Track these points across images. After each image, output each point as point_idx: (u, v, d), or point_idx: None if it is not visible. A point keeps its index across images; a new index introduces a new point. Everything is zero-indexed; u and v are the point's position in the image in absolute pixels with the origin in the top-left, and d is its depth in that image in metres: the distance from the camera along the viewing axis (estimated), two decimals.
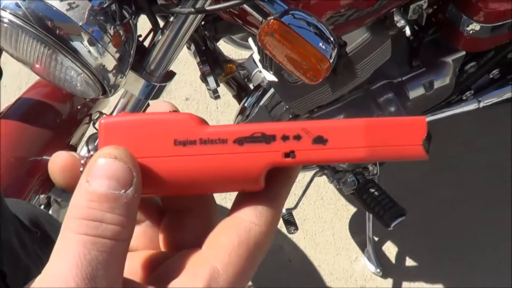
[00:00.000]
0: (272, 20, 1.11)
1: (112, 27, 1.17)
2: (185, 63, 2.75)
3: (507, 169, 2.53)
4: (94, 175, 0.41)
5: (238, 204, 0.47)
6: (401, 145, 0.44)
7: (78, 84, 1.23)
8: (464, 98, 2.07)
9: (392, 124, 0.45)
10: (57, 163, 0.46)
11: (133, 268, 0.47)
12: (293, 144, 0.45)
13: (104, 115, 1.71)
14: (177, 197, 0.50)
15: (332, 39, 1.13)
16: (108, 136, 0.45)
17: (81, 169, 0.45)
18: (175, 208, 0.51)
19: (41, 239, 0.83)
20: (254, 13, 1.16)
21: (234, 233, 0.44)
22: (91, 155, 0.43)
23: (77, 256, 0.38)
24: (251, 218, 0.45)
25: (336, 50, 1.15)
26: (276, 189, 0.48)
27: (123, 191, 0.41)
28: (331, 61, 1.14)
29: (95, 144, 1.48)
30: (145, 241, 0.52)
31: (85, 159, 0.45)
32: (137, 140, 0.45)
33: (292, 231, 2.01)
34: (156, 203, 0.53)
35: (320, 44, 1.12)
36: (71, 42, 1.14)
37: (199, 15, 1.25)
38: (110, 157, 0.42)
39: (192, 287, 0.42)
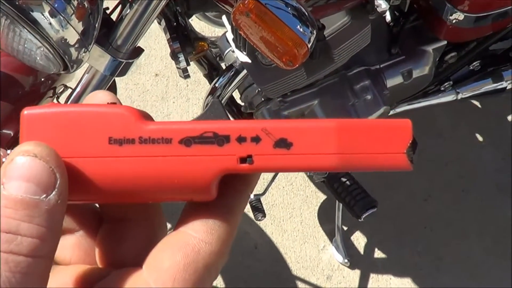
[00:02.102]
0: None
1: None
2: (156, 37, 2.68)
3: (481, 161, 2.52)
4: (9, 177, 0.35)
5: (186, 216, 0.40)
6: (381, 152, 0.38)
7: (38, 58, 1.17)
8: (442, 89, 2.03)
9: (370, 127, 0.38)
10: None
11: (63, 284, 0.41)
12: (251, 148, 0.38)
13: (69, 89, 1.65)
14: (116, 204, 0.43)
15: (311, 22, 1.07)
16: (30, 130, 0.39)
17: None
18: (115, 217, 0.44)
19: None
20: None
21: (180, 252, 0.38)
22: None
23: None
24: (200, 234, 0.39)
25: (315, 34, 1.08)
26: (231, 199, 0.41)
27: (44, 196, 0.35)
28: (309, 45, 1.08)
29: None
30: (79, 253, 0.45)
31: (7, 157, 0.38)
32: (65, 136, 0.38)
33: (260, 218, 1.95)
34: (92, 209, 0.46)
35: (299, 27, 1.06)
36: (30, 13, 1.07)
37: None
38: (29, 155, 0.35)
39: None
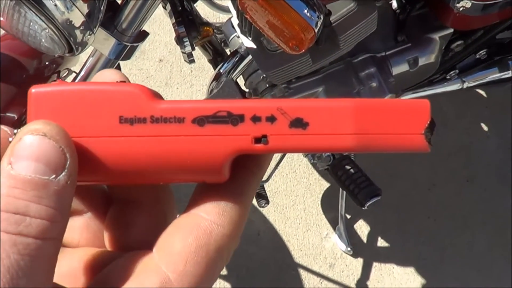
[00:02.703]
0: None
1: None
2: (161, 23, 2.67)
3: (485, 152, 2.51)
4: (18, 156, 0.34)
5: (197, 198, 0.39)
6: (398, 133, 0.37)
7: (43, 40, 1.16)
8: (448, 77, 2.02)
9: (387, 107, 0.37)
10: None
11: (73, 269, 0.40)
12: (266, 127, 0.37)
13: (74, 73, 1.64)
14: (125, 185, 0.42)
15: (318, 7, 1.05)
16: (38, 108, 0.37)
17: None
18: (124, 198, 0.43)
19: None
20: None
21: (191, 235, 0.37)
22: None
23: None
24: (212, 216, 0.38)
25: (322, 19, 1.07)
26: (243, 180, 0.40)
27: (53, 176, 0.34)
28: (316, 30, 1.07)
29: None
30: (87, 236, 0.44)
31: (14, 135, 0.37)
32: (74, 115, 0.37)
33: (263, 204, 1.95)
34: (101, 190, 0.45)
35: (306, 11, 1.04)
36: None
37: None
38: (38, 134, 0.34)
39: None
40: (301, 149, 0.37)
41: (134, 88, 0.37)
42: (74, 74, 1.54)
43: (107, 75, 0.42)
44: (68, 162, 0.34)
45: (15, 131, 0.37)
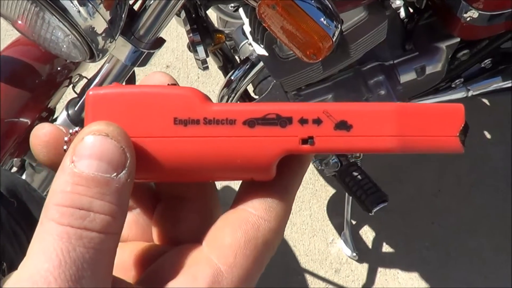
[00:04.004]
0: None
1: None
2: (167, 29, 2.62)
3: (490, 158, 2.53)
4: (80, 155, 0.35)
5: (244, 195, 0.41)
6: (435, 135, 0.39)
7: (65, 46, 1.17)
8: (453, 85, 2.04)
9: (426, 111, 0.39)
10: (40, 137, 0.39)
11: (123, 262, 0.42)
12: (312, 129, 0.39)
13: (85, 78, 1.66)
14: (174, 183, 0.44)
15: (336, 16, 1.08)
16: (97, 110, 0.39)
17: (65, 147, 0.38)
18: (171, 195, 0.45)
19: (17, 210, 0.76)
20: None
21: (240, 229, 0.39)
22: (76, 131, 0.38)
23: (60, 253, 0.32)
24: (259, 212, 0.40)
25: (339, 29, 1.09)
26: (288, 178, 0.42)
27: (115, 174, 0.35)
28: (333, 39, 1.09)
29: (75, 109, 1.41)
30: (136, 231, 0.46)
31: (69, 136, 0.39)
32: (131, 117, 0.39)
33: None
34: (149, 187, 0.47)
35: (324, 21, 1.06)
36: (60, 0, 1.07)
37: None
38: (100, 135, 0.36)
39: None
40: (345, 150, 0.39)
41: (187, 91, 0.40)
42: (85, 80, 1.55)
43: (157, 78, 0.44)
44: (128, 161, 0.36)
45: (71, 130, 0.39)
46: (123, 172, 0.36)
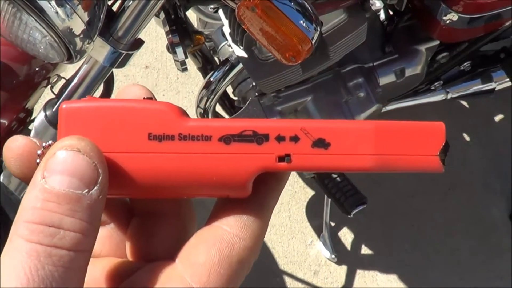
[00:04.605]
0: None
1: None
2: (146, 29, 2.61)
3: (467, 161, 2.54)
4: (52, 170, 0.35)
5: (219, 212, 0.41)
6: (415, 154, 0.38)
7: (42, 47, 1.15)
8: (433, 88, 2.05)
9: (406, 129, 0.39)
10: (13, 150, 0.38)
11: (94, 278, 0.41)
12: (289, 147, 0.39)
13: (63, 79, 1.64)
14: (149, 199, 0.43)
15: (316, 19, 1.07)
16: (70, 124, 0.38)
17: (38, 160, 0.37)
18: (146, 210, 0.44)
19: None
20: None
21: (214, 247, 0.38)
22: (50, 145, 0.37)
23: (29, 271, 0.32)
24: (235, 230, 0.39)
25: (319, 31, 1.08)
26: (264, 196, 0.42)
27: (86, 191, 0.35)
28: (313, 42, 1.08)
29: (53, 110, 1.39)
30: (110, 246, 0.45)
31: (42, 149, 0.38)
32: (105, 131, 0.38)
33: None
34: (124, 202, 0.46)
35: (304, 23, 1.05)
36: (37, 1, 1.06)
37: None
38: (72, 150, 0.35)
39: None
40: (323, 168, 0.39)
41: (163, 106, 0.39)
42: (63, 80, 1.54)
43: (133, 91, 0.43)
44: (100, 177, 0.35)
45: (44, 143, 0.38)
46: (95, 188, 0.35)
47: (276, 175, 0.42)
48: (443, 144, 0.39)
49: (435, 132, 0.39)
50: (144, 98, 0.42)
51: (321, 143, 0.38)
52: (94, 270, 0.41)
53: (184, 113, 0.40)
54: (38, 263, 0.32)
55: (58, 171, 0.34)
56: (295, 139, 0.38)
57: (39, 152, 0.38)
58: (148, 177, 0.38)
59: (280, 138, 0.38)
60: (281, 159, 0.38)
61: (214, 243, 0.38)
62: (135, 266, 0.41)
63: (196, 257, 0.38)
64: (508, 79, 2.02)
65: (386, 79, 1.81)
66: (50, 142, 0.38)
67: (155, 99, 0.42)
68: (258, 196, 0.41)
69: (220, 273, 0.37)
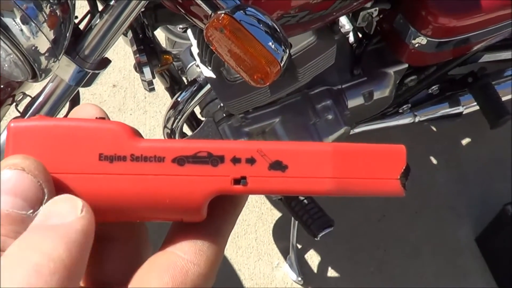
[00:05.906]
0: (223, 15, 1.02)
1: (49, 5, 1.07)
2: (114, 48, 2.60)
3: (434, 184, 2.55)
4: None
5: (173, 236, 0.39)
6: (375, 178, 0.37)
7: (6, 65, 1.14)
8: (401, 111, 2.06)
9: (365, 152, 0.37)
10: None
11: None
12: (245, 169, 0.37)
13: (28, 97, 1.62)
14: (99, 222, 0.42)
15: (285, 41, 1.06)
16: (17, 143, 0.37)
17: None
18: (97, 235, 0.42)
19: None
20: (203, 4, 1.07)
21: (167, 274, 0.36)
22: None
23: None
24: (189, 255, 0.37)
25: (288, 53, 1.07)
26: (220, 220, 0.40)
27: (31, 211, 0.33)
28: (281, 64, 1.07)
29: None
30: None
31: None
32: (54, 151, 0.37)
33: None
34: None
35: (272, 45, 1.05)
36: (1, 18, 1.04)
37: (143, 1, 1.17)
38: (16, 169, 0.34)
39: None
40: (279, 192, 0.37)
41: (114, 126, 0.37)
42: (29, 98, 1.51)
43: (87, 110, 0.41)
44: (45, 198, 0.34)
45: None
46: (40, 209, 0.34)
47: (232, 199, 0.40)
48: (404, 168, 0.37)
49: (395, 155, 0.38)
50: (96, 117, 0.40)
51: (278, 166, 0.37)
52: None
53: (137, 133, 0.38)
54: None
55: (1, 191, 0.33)
56: (251, 161, 0.37)
57: None
58: (98, 199, 0.37)
59: (235, 160, 0.37)
60: (236, 181, 0.37)
61: (167, 269, 0.36)
62: None
63: (148, 283, 0.36)
64: (475, 103, 2.04)
65: (354, 102, 1.82)
66: None
67: (109, 118, 0.41)
68: (214, 220, 0.39)
69: None
